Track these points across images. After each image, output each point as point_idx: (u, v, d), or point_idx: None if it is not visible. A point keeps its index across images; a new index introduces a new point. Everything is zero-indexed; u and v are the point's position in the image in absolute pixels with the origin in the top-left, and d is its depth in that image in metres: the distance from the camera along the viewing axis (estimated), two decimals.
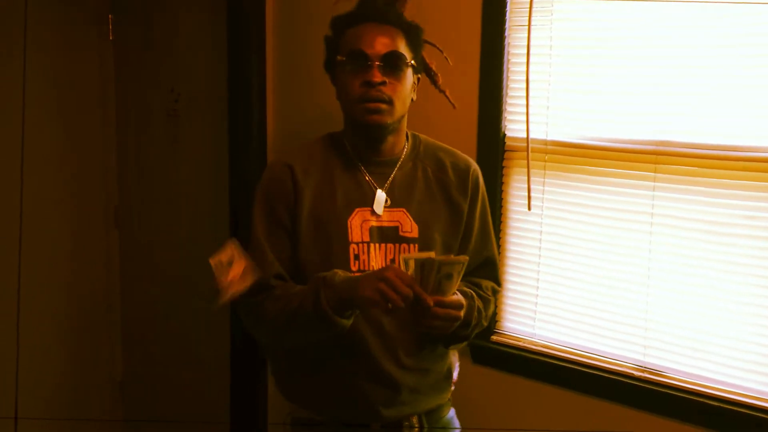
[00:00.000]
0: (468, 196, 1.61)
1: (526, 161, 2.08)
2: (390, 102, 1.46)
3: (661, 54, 1.88)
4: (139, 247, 3.31)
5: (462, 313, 1.38)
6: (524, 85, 2.05)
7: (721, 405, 1.85)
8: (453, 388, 1.70)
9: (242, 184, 2.69)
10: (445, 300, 1.34)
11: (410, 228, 1.52)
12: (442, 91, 1.68)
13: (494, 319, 2.25)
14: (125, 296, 3.41)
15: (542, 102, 2.08)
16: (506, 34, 2.11)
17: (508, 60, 2.13)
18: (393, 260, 1.51)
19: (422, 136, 1.65)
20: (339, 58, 1.49)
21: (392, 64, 1.46)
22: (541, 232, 2.13)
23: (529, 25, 2.03)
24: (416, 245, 1.51)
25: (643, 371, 1.98)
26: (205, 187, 2.97)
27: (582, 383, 2.07)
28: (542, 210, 2.11)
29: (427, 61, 1.66)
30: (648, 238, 1.95)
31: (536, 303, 2.18)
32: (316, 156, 1.56)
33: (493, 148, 2.16)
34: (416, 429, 1.58)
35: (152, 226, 3.22)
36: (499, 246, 2.20)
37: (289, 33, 2.64)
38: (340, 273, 1.42)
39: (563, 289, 2.12)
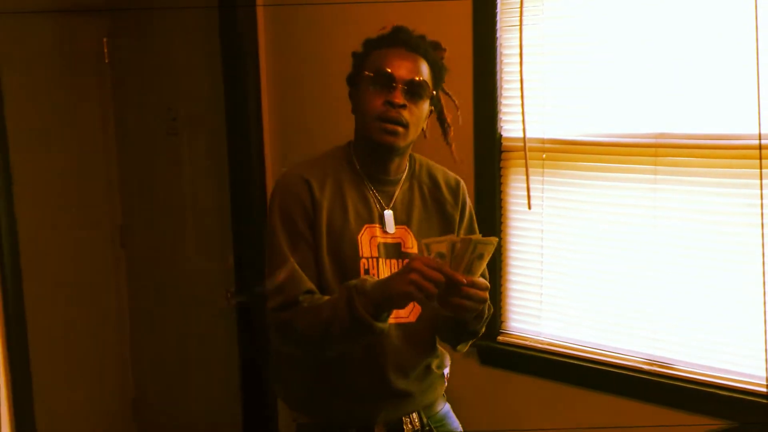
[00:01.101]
0: (458, 209, 1.67)
1: (523, 161, 2.09)
2: (406, 126, 1.51)
3: (656, 46, 1.89)
4: (145, 265, 3.33)
5: (485, 296, 1.39)
6: (518, 85, 2.06)
7: (731, 395, 1.85)
8: (446, 384, 1.74)
9: (243, 198, 2.71)
10: (475, 280, 1.35)
11: (411, 244, 1.57)
12: (449, 144, 1.70)
13: (500, 320, 2.25)
14: (133, 314, 3.43)
15: (537, 101, 2.09)
16: (498, 34, 2.12)
17: (501, 60, 2.14)
18: None
19: (416, 156, 1.70)
20: (366, 73, 1.53)
21: (415, 90, 1.50)
22: (542, 230, 2.14)
23: (521, 24, 2.04)
24: None
25: (651, 364, 1.98)
26: (206, 202, 2.99)
27: (590, 379, 2.08)
28: (542, 208, 2.12)
29: (445, 111, 1.69)
30: (651, 230, 1.95)
31: (540, 301, 2.18)
32: (328, 170, 1.59)
33: (490, 149, 2.17)
34: (417, 424, 1.61)
35: (157, 243, 3.24)
36: (500, 246, 2.21)
37: (282, 48, 2.67)
38: (368, 279, 1.45)
39: (567, 287, 2.12)
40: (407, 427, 1.60)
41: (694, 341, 1.93)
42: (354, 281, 1.43)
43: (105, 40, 3.21)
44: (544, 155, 2.09)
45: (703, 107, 1.84)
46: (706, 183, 1.85)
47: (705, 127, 1.84)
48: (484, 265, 1.37)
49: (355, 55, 1.61)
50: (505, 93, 2.15)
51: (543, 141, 2.09)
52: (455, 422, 1.73)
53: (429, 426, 1.63)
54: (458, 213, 1.65)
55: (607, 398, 2.06)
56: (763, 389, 1.81)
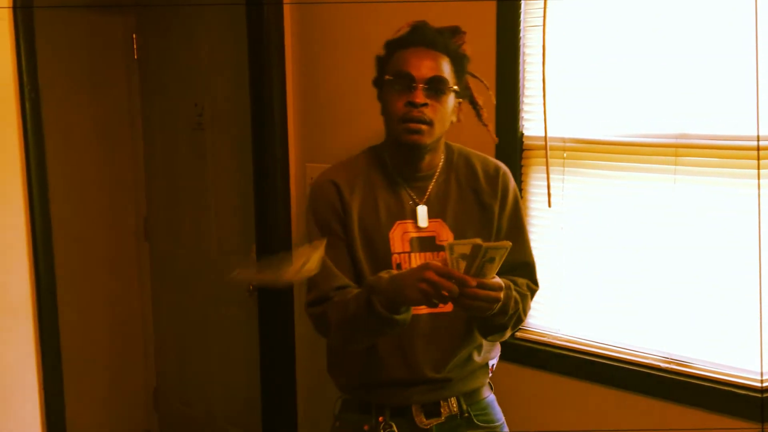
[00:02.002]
0: (498, 198, 1.68)
1: (544, 159, 2.12)
2: (430, 123, 1.55)
3: (676, 47, 1.91)
4: (169, 257, 3.39)
5: (501, 295, 1.43)
6: (540, 84, 2.10)
7: (748, 393, 1.86)
8: (490, 374, 1.78)
9: (267, 194, 2.76)
10: (486, 282, 1.39)
11: (446, 237, 1.62)
12: (485, 125, 1.76)
13: None
14: (156, 306, 3.50)
15: (559, 100, 2.11)
16: (522, 34, 2.15)
17: (524, 60, 2.17)
18: None
19: (456, 146, 1.74)
20: (387, 77, 1.58)
21: (435, 87, 1.54)
22: (562, 228, 2.16)
23: (544, 24, 2.08)
24: None
25: (668, 362, 2.00)
26: (230, 197, 3.04)
27: (608, 376, 2.09)
28: (562, 206, 2.14)
29: (475, 94, 1.74)
30: (670, 229, 1.97)
31: (560, 299, 2.20)
32: (359, 172, 1.65)
33: (512, 147, 2.20)
34: (455, 408, 1.66)
35: (180, 236, 3.30)
36: None
37: (308, 44, 2.71)
38: (384, 275, 1.49)
39: (586, 284, 2.15)
40: (444, 410, 1.65)
41: (711, 340, 1.94)
42: (372, 279, 1.49)
43: (134, 36, 3.28)
44: (565, 154, 2.12)
45: (724, 108, 1.86)
46: (727, 183, 1.87)
47: (725, 128, 1.86)
48: (496, 268, 1.41)
49: (378, 58, 1.66)
50: (527, 92, 2.18)
51: (564, 140, 2.12)
52: (498, 413, 1.77)
53: (468, 412, 1.67)
54: (497, 202, 1.67)
55: (624, 395, 2.07)
56: None
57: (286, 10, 2.71)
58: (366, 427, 1.64)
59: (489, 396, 1.76)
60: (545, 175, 2.12)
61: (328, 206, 1.62)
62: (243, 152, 2.87)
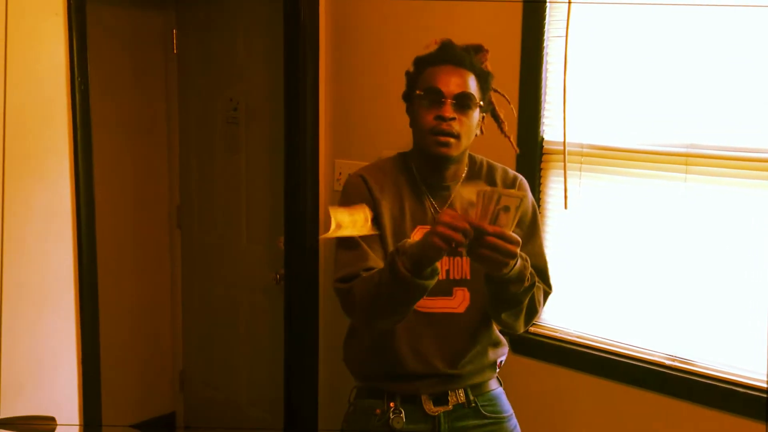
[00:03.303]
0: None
1: (563, 163, 2.22)
2: (458, 137, 1.64)
3: (691, 59, 2.00)
4: (199, 245, 3.51)
5: (517, 250, 1.44)
6: (561, 92, 2.19)
7: (747, 391, 1.95)
8: (498, 370, 1.86)
9: (297, 187, 2.86)
10: (503, 232, 1.40)
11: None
12: (507, 137, 1.85)
13: None
14: (185, 291, 3.62)
15: (578, 108, 2.21)
16: (545, 44, 2.25)
17: (546, 69, 2.27)
18: (448, 271, 1.69)
19: (478, 157, 1.82)
20: (417, 92, 1.67)
21: (463, 102, 1.63)
22: (577, 229, 2.26)
23: (567, 37, 2.17)
24: (467, 258, 1.67)
25: (673, 360, 2.09)
26: (261, 189, 3.16)
27: (615, 372, 2.19)
28: (578, 209, 2.24)
29: (497, 108, 1.83)
30: (680, 234, 2.06)
31: (572, 296, 2.30)
32: (387, 174, 1.75)
33: (532, 151, 2.30)
34: (462, 398, 1.74)
35: (211, 225, 3.43)
36: None
37: (341, 44, 2.82)
38: (409, 240, 1.56)
39: (598, 283, 2.24)
40: (452, 398, 1.73)
41: (715, 340, 2.03)
42: (398, 244, 1.54)
43: (174, 32, 3.41)
44: (582, 159, 2.22)
45: (731, 122, 1.95)
46: (735, 193, 1.96)
47: (733, 140, 1.95)
48: (511, 219, 1.41)
49: (408, 74, 1.76)
50: (548, 99, 2.27)
51: (582, 145, 2.21)
52: (506, 405, 1.84)
53: (475, 402, 1.76)
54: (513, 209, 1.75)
55: (631, 390, 2.16)
56: None
57: (322, 7, 2.81)
58: (378, 411, 1.73)
59: (497, 389, 1.84)
60: (563, 179, 2.21)
61: (358, 196, 1.70)
62: (275, 146, 2.98)
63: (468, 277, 1.70)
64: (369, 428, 1.73)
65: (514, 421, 1.84)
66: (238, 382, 3.40)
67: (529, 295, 1.62)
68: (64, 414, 2.32)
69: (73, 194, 2.31)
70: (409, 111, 1.74)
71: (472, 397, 1.76)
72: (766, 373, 1.94)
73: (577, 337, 2.28)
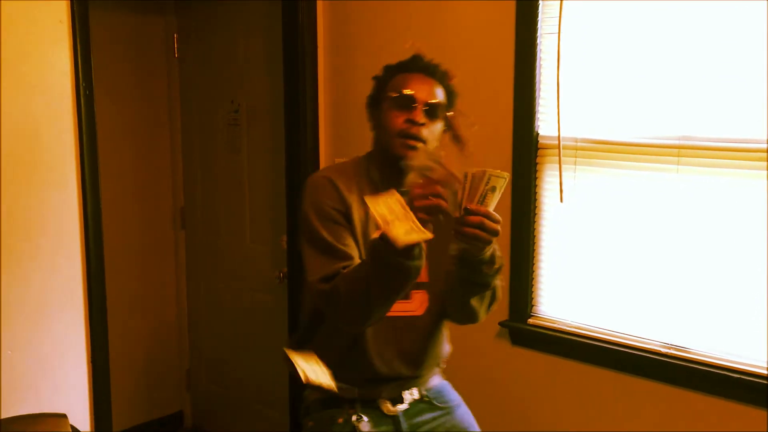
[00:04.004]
0: None
1: (557, 157, 2.26)
2: (425, 142, 1.66)
3: (681, 53, 2.05)
4: (204, 245, 3.56)
5: (498, 228, 1.45)
6: (555, 88, 2.24)
7: (743, 377, 2.00)
8: (444, 366, 1.91)
9: (298, 187, 2.87)
10: (489, 211, 1.44)
11: (423, 245, 1.67)
12: (467, 157, 1.77)
13: (530, 304, 2.43)
14: (190, 291, 3.67)
15: (572, 103, 2.26)
16: (538, 41, 2.30)
17: (540, 65, 2.31)
18: None
19: None
20: (392, 94, 1.69)
21: (433, 111, 1.66)
22: (572, 222, 2.31)
23: (560, 33, 2.22)
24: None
25: (669, 348, 2.14)
26: (263, 189, 3.20)
27: (612, 360, 2.24)
28: (573, 201, 2.29)
29: (460, 130, 1.81)
30: (673, 224, 2.11)
31: (569, 288, 2.35)
32: (351, 177, 1.74)
33: (527, 146, 2.35)
34: (416, 396, 1.80)
35: (215, 226, 3.48)
36: (533, 235, 2.39)
37: (340, 46, 2.87)
38: None
39: (594, 274, 2.29)
40: (407, 398, 1.79)
41: (709, 328, 2.08)
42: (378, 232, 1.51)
43: (176, 36, 3.46)
44: (577, 153, 2.26)
45: (724, 113, 2.00)
46: (726, 182, 2.00)
47: (724, 131, 2.00)
48: (496, 199, 1.45)
49: (377, 78, 1.77)
50: (542, 95, 2.32)
51: (576, 140, 2.26)
52: (453, 394, 1.90)
53: (428, 397, 1.82)
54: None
55: (628, 378, 2.21)
56: None
57: (320, 10, 2.86)
58: (340, 420, 1.74)
59: (442, 382, 1.90)
60: (558, 172, 2.27)
61: (327, 195, 1.66)
62: (276, 147, 3.03)
63: (426, 281, 1.71)
64: None
65: (464, 407, 1.89)
66: (243, 380, 3.45)
67: (497, 278, 1.65)
68: (74, 412, 2.37)
69: (80, 197, 2.36)
70: (375, 114, 1.75)
71: (423, 392, 1.82)
72: (765, 360, 1.99)
73: (575, 327, 2.33)
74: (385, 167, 1.72)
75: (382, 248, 1.43)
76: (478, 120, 2.45)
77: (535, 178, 2.36)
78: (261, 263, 3.25)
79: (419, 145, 1.64)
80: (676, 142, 2.07)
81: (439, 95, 1.69)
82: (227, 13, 3.23)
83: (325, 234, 1.63)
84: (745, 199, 1.98)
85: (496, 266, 1.59)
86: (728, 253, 2.03)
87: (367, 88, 1.75)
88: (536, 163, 2.36)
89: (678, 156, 2.07)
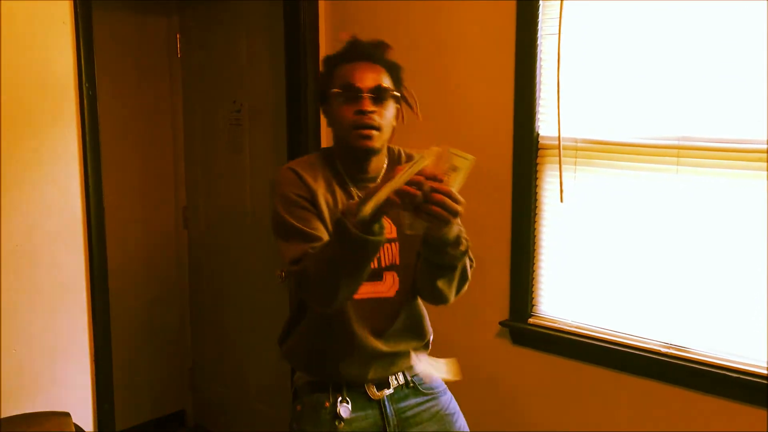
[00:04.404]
0: None
1: (558, 157, 2.27)
2: (379, 129, 1.67)
3: (681, 54, 2.06)
4: (206, 245, 3.58)
5: (462, 209, 1.45)
6: (555, 89, 2.25)
7: (742, 377, 2.01)
8: (429, 349, 1.92)
9: None
10: (450, 190, 1.44)
11: (390, 229, 1.74)
12: (417, 114, 1.84)
13: (531, 303, 2.44)
14: (193, 291, 3.69)
15: (572, 103, 2.27)
16: (539, 42, 2.31)
17: (540, 66, 2.32)
18: (379, 258, 1.73)
19: (397, 148, 1.86)
20: (335, 90, 1.71)
21: (379, 96, 1.67)
22: (572, 222, 2.32)
23: (560, 34, 2.23)
24: (396, 243, 1.75)
25: (669, 347, 2.15)
26: (265, 189, 3.21)
27: (613, 360, 2.25)
28: (574, 201, 2.30)
29: (406, 95, 1.83)
30: (672, 224, 2.12)
31: (569, 287, 2.36)
32: (317, 169, 1.77)
33: (528, 146, 2.36)
34: (402, 381, 1.84)
35: (217, 226, 3.49)
36: (534, 235, 2.40)
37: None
38: (353, 202, 1.59)
39: (594, 274, 2.30)
40: (393, 383, 1.82)
41: (708, 328, 2.09)
42: (343, 206, 1.56)
43: (178, 36, 3.48)
44: (577, 153, 2.27)
45: (723, 113, 2.00)
46: (725, 184, 2.01)
47: (723, 132, 2.00)
48: (459, 180, 1.45)
49: (321, 74, 1.79)
50: (543, 95, 2.33)
51: (576, 140, 2.27)
52: (438, 381, 1.92)
53: (413, 382, 1.85)
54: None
55: (628, 377, 2.22)
56: None
57: (321, 10, 2.87)
58: (327, 404, 1.78)
59: None
60: (558, 173, 2.28)
61: (294, 185, 1.70)
62: (278, 147, 3.05)
63: (397, 263, 1.75)
64: (319, 420, 1.78)
65: (449, 394, 1.92)
66: (246, 380, 3.46)
67: (463, 260, 1.65)
68: (78, 410, 2.39)
69: (83, 197, 2.38)
70: (326, 111, 1.78)
71: (409, 379, 1.85)
72: (765, 359, 2.00)
73: (575, 327, 2.34)
74: (348, 158, 1.76)
75: (344, 223, 1.46)
76: (478, 120, 2.49)
77: (536, 179, 2.37)
78: (263, 263, 3.26)
79: (374, 133, 1.67)
80: (676, 143, 2.08)
81: (384, 78, 1.70)
82: (229, 13, 3.25)
83: (291, 219, 1.67)
84: (745, 200, 1.99)
85: (462, 248, 1.61)
86: (728, 253, 2.04)
87: None
88: (536, 164, 2.37)
89: (678, 156, 2.08)
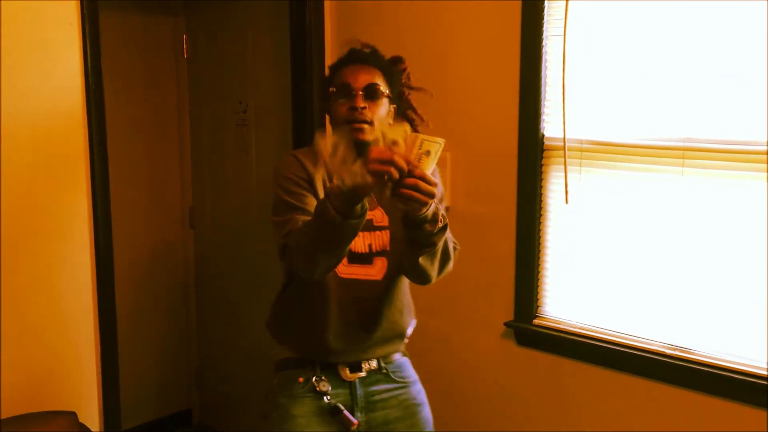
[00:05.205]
0: None
1: (563, 159, 2.27)
2: (371, 123, 1.80)
3: (685, 56, 2.05)
4: (212, 245, 3.59)
5: (436, 191, 1.53)
6: (560, 90, 2.25)
7: (746, 378, 2.00)
8: (407, 341, 2.01)
9: None
10: (424, 173, 1.51)
11: (381, 219, 1.87)
12: (411, 121, 1.94)
13: (536, 304, 2.44)
14: (199, 291, 3.70)
15: (577, 105, 2.26)
16: (544, 43, 2.31)
17: (546, 67, 2.32)
18: (370, 244, 1.86)
19: None
20: (331, 89, 1.85)
21: (371, 93, 1.80)
22: (577, 223, 2.32)
23: (565, 35, 2.23)
24: (387, 231, 1.86)
25: (674, 349, 2.15)
26: (271, 188, 3.21)
27: (617, 361, 2.25)
28: (579, 203, 2.30)
29: (416, 106, 1.96)
30: (678, 225, 2.11)
31: (574, 288, 2.36)
32: (317, 156, 1.86)
33: (533, 147, 2.36)
34: (374, 366, 1.93)
35: (223, 225, 3.51)
36: (539, 236, 2.40)
37: (347, 47, 2.88)
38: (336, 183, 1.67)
39: (599, 275, 2.30)
40: (365, 366, 1.92)
41: (713, 329, 2.08)
42: (328, 188, 1.63)
43: (184, 37, 3.49)
44: (582, 154, 2.27)
45: (728, 115, 2.00)
46: (730, 184, 2.01)
47: (729, 133, 2.00)
48: (432, 163, 1.51)
49: (324, 78, 1.94)
50: (548, 96, 2.33)
51: (581, 141, 2.27)
52: (411, 371, 2.01)
53: (386, 369, 1.94)
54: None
55: (632, 379, 2.22)
56: None
57: (327, 11, 2.88)
58: (300, 380, 1.90)
59: (403, 358, 2.01)
60: (563, 174, 2.28)
61: (296, 169, 1.82)
62: (284, 146, 3.05)
63: (387, 249, 1.86)
64: (293, 393, 1.88)
65: (419, 386, 2.01)
66: (252, 379, 3.46)
67: (443, 238, 1.70)
68: (84, 410, 2.40)
69: (90, 197, 2.39)
70: (327, 111, 1.90)
71: (383, 365, 1.94)
72: (766, 360, 1.99)
73: (580, 328, 2.34)
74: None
75: (325, 204, 1.55)
76: (483, 121, 2.49)
77: (541, 180, 2.37)
78: (270, 262, 3.26)
79: (365, 126, 1.77)
80: (681, 144, 2.08)
81: (376, 78, 1.83)
82: (235, 14, 3.26)
83: (285, 196, 1.79)
84: (750, 202, 1.98)
85: (440, 225, 1.66)
86: (733, 255, 2.03)
87: None
88: (542, 165, 2.37)
89: (683, 158, 2.08)
